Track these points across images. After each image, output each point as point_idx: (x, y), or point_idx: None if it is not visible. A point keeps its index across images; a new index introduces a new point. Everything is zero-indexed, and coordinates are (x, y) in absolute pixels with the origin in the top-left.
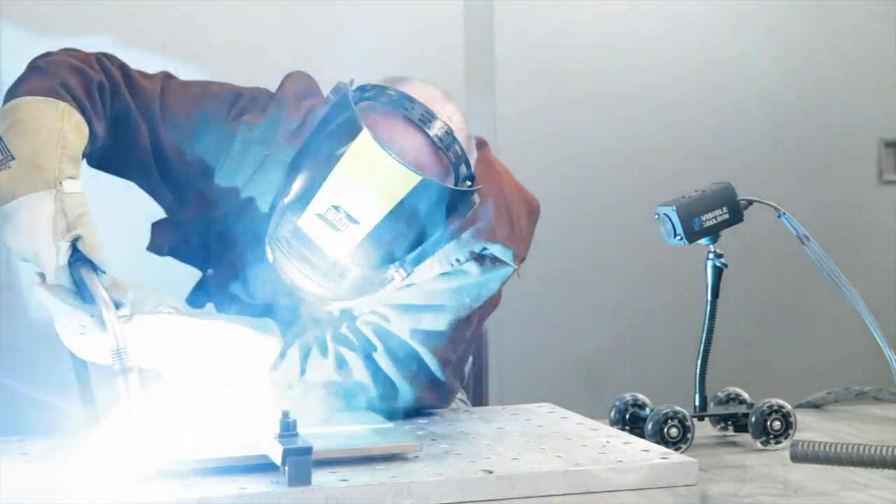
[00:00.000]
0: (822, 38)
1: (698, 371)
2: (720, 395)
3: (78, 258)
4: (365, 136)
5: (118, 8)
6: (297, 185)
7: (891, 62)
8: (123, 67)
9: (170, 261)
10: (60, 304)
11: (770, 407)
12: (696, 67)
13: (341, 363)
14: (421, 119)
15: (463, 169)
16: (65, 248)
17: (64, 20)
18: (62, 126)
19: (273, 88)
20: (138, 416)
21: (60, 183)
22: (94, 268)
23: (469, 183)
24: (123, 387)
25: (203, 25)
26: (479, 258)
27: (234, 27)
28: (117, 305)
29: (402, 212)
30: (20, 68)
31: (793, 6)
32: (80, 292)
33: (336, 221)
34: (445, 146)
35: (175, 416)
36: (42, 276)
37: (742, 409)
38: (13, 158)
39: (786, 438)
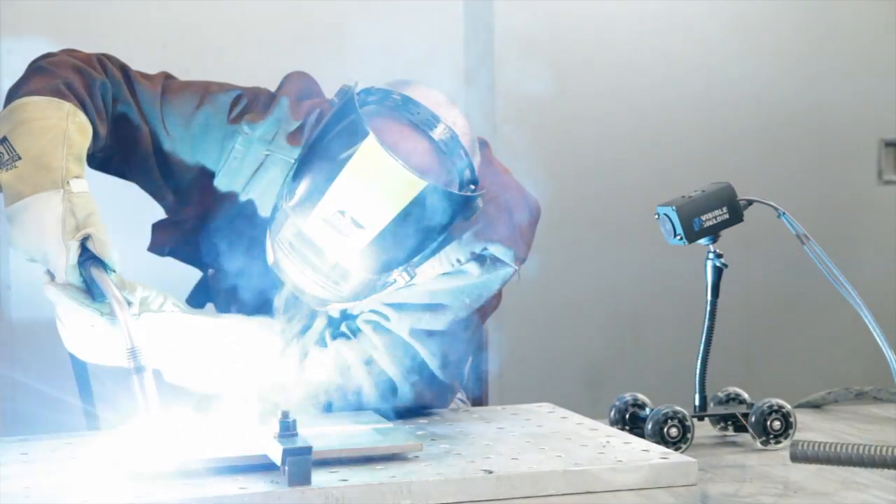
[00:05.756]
0: (822, 37)
1: (698, 371)
2: (720, 394)
3: (87, 257)
4: (371, 141)
5: (119, 8)
6: (302, 188)
7: (890, 62)
8: (124, 68)
9: (170, 261)
10: (70, 303)
11: (770, 407)
12: (696, 68)
13: (341, 362)
14: (426, 124)
15: (467, 173)
16: (75, 247)
17: (64, 20)
18: (68, 126)
19: (273, 88)
20: (153, 414)
21: (67, 182)
22: (104, 267)
23: (473, 187)
24: (138, 385)
25: (203, 25)
26: (480, 258)
27: (235, 27)
28: (127, 304)
29: (407, 217)
30: (20, 69)
31: (793, 5)
32: (90, 291)
33: (341, 226)
34: (450, 151)
35: (177, 415)
36: (51, 274)
37: (742, 409)
38: (19, 158)
39: (786, 438)
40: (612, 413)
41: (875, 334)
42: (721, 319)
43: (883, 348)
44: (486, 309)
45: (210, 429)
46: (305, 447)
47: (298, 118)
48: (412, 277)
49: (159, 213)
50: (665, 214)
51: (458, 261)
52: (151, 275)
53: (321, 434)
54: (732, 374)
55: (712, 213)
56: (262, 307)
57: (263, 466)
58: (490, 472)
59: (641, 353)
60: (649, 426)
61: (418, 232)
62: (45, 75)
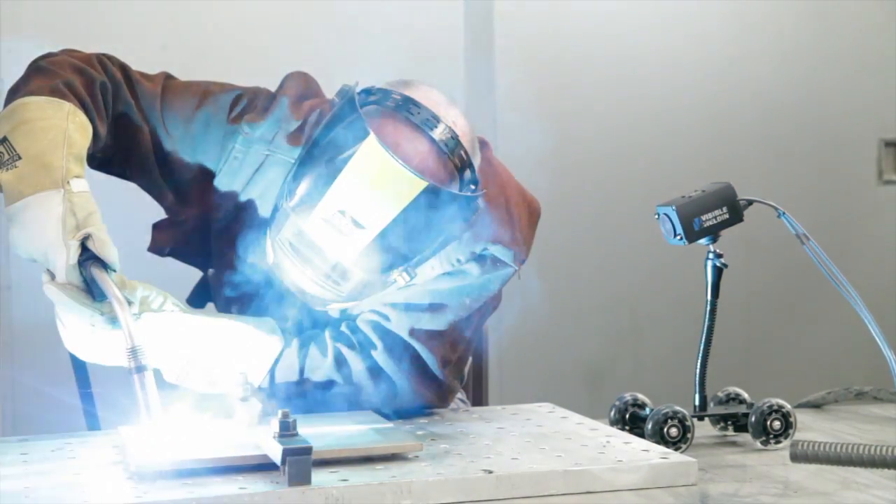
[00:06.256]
0: (822, 38)
1: (698, 371)
2: (720, 394)
3: (88, 257)
4: (372, 141)
5: (119, 8)
6: (302, 188)
7: (891, 62)
8: (124, 68)
9: (170, 261)
10: (71, 303)
11: (770, 407)
12: (697, 68)
13: (340, 362)
14: (426, 124)
15: (467, 173)
16: (75, 246)
17: (64, 20)
18: (68, 126)
19: (273, 88)
20: (154, 414)
21: (68, 182)
22: (105, 266)
23: (473, 187)
24: (139, 385)
25: (203, 25)
26: (480, 259)
27: (234, 27)
28: (127, 304)
29: (408, 217)
30: (20, 69)
31: (793, 6)
32: (91, 291)
33: (342, 226)
34: (450, 151)
35: (178, 415)
36: (51, 274)
37: (742, 409)
38: (20, 158)
39: (786, 438)
40: (612, 413)
41: (874, 334)
42: (721, 319)
43: (882, 348)
44: (486, 309)
45: (210, 429)
46: (305, 447)
47: (298, 118)
48: (412, 277)
49: (159, 213)
50: (665, 214)
51: (458, 261)
52: (151, 275)
53: (321, 434)
54: (732, 374)
55: (712, 213)
56: (262, 307)
57: (263, 466)
58: (490, 472)
59: (641, 353)
60: (649, 426)
61: (418, 232)
62: (45, 75)
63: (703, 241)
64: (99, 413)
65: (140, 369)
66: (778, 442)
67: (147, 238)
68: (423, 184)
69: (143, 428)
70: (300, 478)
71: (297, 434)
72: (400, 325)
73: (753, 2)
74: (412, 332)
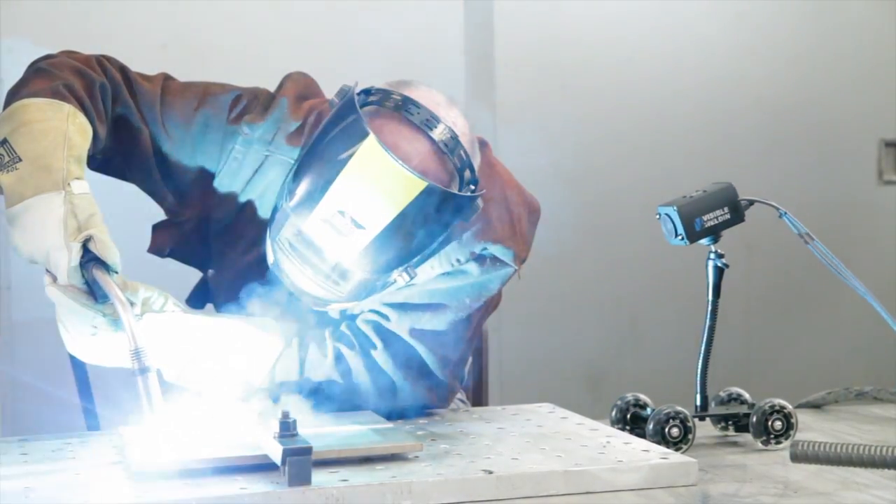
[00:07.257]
0: (823, 37)
1: (699, 371)
2: (721, 395)
3: (90, 258)
4: (371, 141)
5: (119, 8)
6: (302, 188)
7: (891, 63)
8: (123, 69)
9: (170, 261)
10: (73, 305)
11: (771, 407)
12: (697, 68)
13: (340, 362)
14: (426, 124)
15: (467, 173)
16: (77, 248)
17: (63, 21)
18: (68, 127)
19: (273, 88)
20: (158, 415)
21: (69, 184)
22: (106, 268)
23: (473, 187)
24: (142, 386)
25: (203, 25)
26: (480, 258)
27: (234, 27)
28: (129, 305)
29: (408, 217)
30: (20, 69)
31: (793, 6)
32: (92, 293)
33: (341, 226)
34: (450, 151)
35: (179, 415)
36: (53, 276)
37: (743, 409)
38: (20, 160)
39: (786, 438)
40: (614, 413)
41: (888, 321)
42: (722, 319)
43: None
44: (487, 309)
45: (210, 429)
46: (305, 447)
47: (298, 119)
48: (412, 277)
49: (159, 214)
50: (666, 214)
51: (458, 261)
52: (151, 275)
53: (321, 434)
54: (733, 375)
55: (714, 214)
56: (262, 307)
57: (263, 466)
58: (490, 472)
59: (641, 353)
60: (651, 426)
61: (418, 232)
62: (44, 77)
63: (704, 241)
64: (99, 413)
65: (144, 371)
66: (779, 442)
67: (147, 239)
68: (422, 184)
69: (143, 428)
70: (300, 478)
71: (297, 434)
72: (400, 325)
73: (754, 3)
74: (412, 332)
